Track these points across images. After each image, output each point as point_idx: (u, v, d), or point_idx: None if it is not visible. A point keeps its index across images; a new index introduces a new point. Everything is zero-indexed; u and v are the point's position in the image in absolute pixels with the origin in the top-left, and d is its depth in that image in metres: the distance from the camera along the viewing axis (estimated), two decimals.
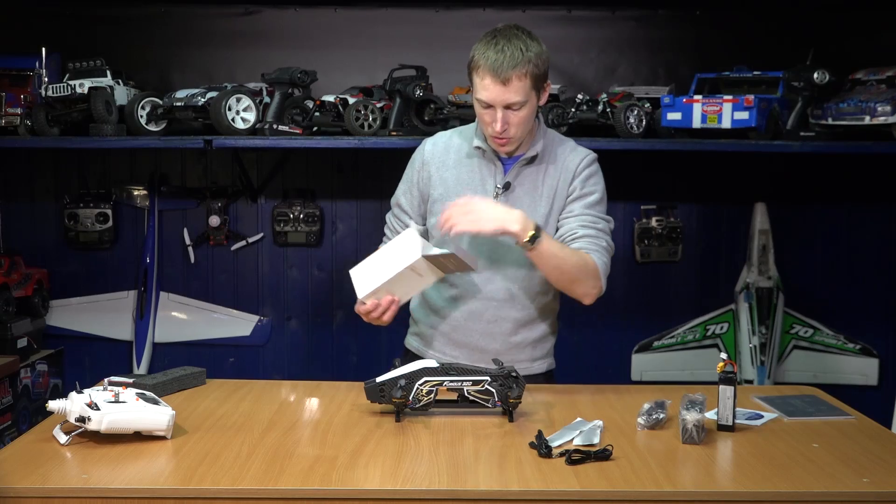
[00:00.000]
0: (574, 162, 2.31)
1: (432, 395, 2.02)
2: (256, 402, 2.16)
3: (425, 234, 2.37)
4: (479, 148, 2.31)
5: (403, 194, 2.43)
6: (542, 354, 2.44)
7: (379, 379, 2.03)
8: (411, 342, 2.51)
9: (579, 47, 3.88)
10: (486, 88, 2.17)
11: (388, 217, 2.48)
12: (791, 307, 3.84)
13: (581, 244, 2.23)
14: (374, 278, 2.16)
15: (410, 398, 2.01)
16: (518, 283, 2.33)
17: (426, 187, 2.37)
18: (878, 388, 3.86)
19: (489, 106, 2.19)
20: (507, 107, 2.17)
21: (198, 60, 3.85)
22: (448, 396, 2.04)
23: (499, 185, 2.30)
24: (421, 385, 2.01)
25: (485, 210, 2.14)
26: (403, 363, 2.42)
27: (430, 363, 2.04)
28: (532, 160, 2.30)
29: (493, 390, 2.00)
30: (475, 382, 2.01)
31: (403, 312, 2.53)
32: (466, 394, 2.02)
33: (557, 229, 2.29)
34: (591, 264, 2.21)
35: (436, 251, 2.14)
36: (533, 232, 2.11)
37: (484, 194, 2.30)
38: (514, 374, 2.01)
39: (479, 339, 2.37)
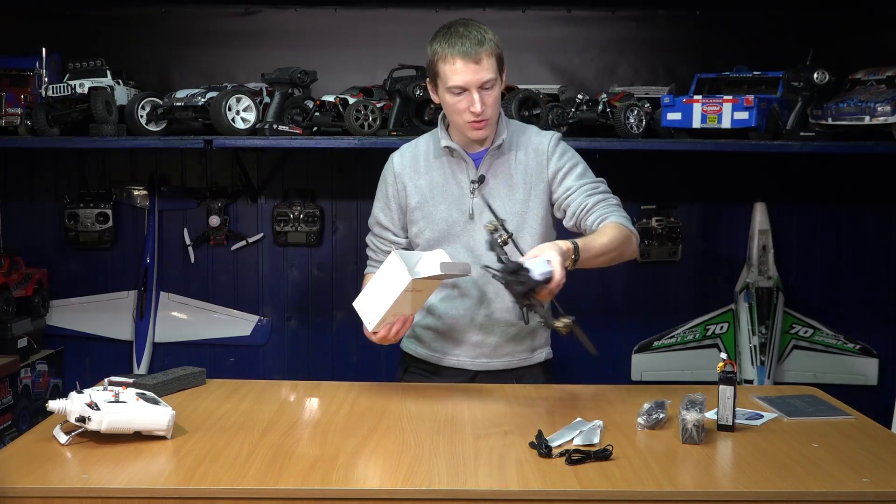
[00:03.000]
0: (543, 144, 2.33)
1: None
2: (256, 402, 2.16)
3: (409, 248, 2.39)
4: (447, 147, 2.33)
5: (381, 211, 2.43)
6: (541, 344, 2.48)
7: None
8: (408, 345, 2.50)
9: (579, 47, 3.88)
10: (458, 72, 2.20)
11: (369, 239, 2.47)
12: (791, 307, 3.84)
13: (597, 213, 2.22)
14: (377, 307, 2.13)
15: None
16: None
17: (403, 199, 2.38)
18: (878, 388, 3.85)
19: (462, 91, 2.21)
20: (482, 86, 2.20)
21: (198, 60, 3.85)
22: None
23: (473, 180, 2.32)
24: None
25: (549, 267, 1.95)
26: (402, 367, 2.42)
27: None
28: (500, 149, 2.32)
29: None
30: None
31: None
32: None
33: (565, 210, 2.28)
34: (623, 231, 2.17)
35: (424, 272, 2.11)
36: (573, 256, 2.01)
37: (459, 192, 2.33)
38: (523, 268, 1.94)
39: (475, 335, 2.39)
